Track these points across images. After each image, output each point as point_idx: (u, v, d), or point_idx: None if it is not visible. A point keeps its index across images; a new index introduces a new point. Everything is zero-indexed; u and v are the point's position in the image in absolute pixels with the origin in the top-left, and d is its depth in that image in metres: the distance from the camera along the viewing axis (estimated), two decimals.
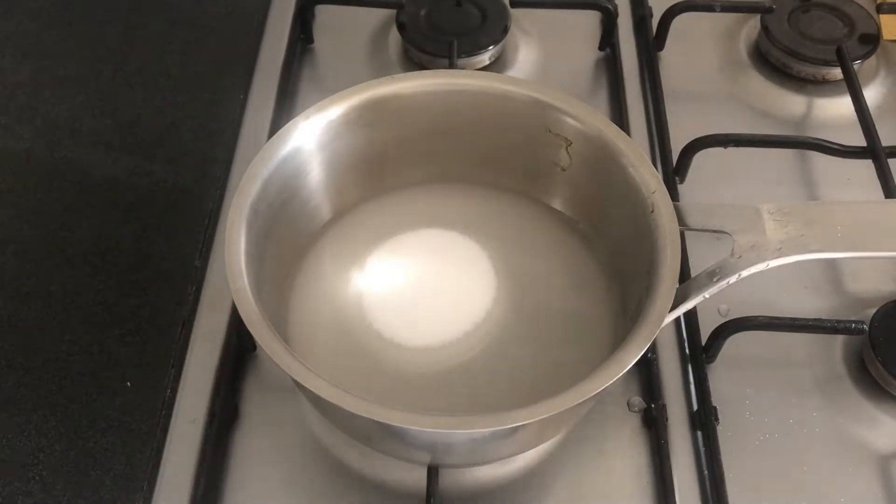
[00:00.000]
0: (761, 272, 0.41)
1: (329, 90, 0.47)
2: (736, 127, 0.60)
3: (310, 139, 0.47)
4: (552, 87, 0.48)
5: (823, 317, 0.52)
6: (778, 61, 0.67)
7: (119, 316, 0.54)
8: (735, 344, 0.50)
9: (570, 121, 0.47)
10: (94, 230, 0.58)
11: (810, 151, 0.61)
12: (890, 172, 0.57)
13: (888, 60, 0.69)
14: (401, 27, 0.66)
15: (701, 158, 0.58)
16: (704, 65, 0.69)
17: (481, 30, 0.66)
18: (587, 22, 0.71)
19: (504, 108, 0.49)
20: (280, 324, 0.47)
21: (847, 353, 0.52)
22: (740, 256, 0.40)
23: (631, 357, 0.38)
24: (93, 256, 0.56)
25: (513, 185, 0.53)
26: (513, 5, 0.68)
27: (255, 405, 0.50)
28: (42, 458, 0.48)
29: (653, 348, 0.51)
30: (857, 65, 0.65)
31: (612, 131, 0.46)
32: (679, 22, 0.67)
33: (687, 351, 0.52)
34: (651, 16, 0.70)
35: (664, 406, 0.49)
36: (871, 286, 0.56)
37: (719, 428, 0.48)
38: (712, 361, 0.51)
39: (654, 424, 0.48)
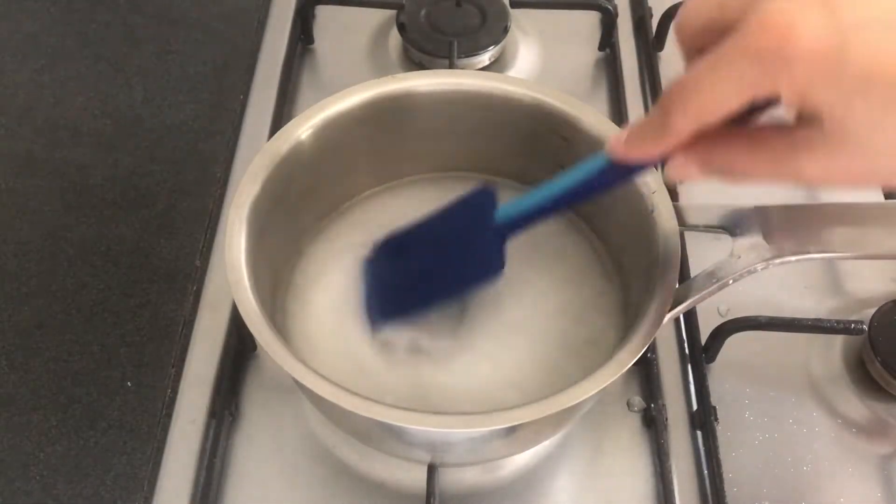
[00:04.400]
0: (761, 272, 0.41)
1: (329, 90, 0.47)
2: None
3: (310, 139, 0.47)
4: (552, 88, 0.48)
5: (823, 317, 0.52)
6: None
7: (119, 316, 0.54)
8: (735, 344, 0.50)
9: (570, 121, 0.47)
10: (94, 230, 0.58)
11: None
12: None
13: None
14: (401, 27, 0.66)
15: None
16: None
17: (481, 30, 0.66)
18: (587, 22, 0.71)
19: (504, 109, 0.49)
20: (280, 324, 0.47)
21: (847, 353, 0.52)
22: (740, 256, 0.40)
23: (631, 357, 0.38)
24: (93, 256, 0.56)
25: (513, 186, 0.53)
26: (513, 5, 0.68)
27: (255, 405, 0.50)
28: (42, 458, 0.48)
29: (653, 348, 0.51)
30: None
31: (612, 132, 0.46)
32: None
33: (687, 351, 0.52)
34: (651, 16, 0.70)
35: (664, 406, 0.49)
36: (870, 286, 0.56)
37: (719, 428, 0.48)
38: (712, 361, 0.51)
39: (653, 424, 0.48)
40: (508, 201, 0.43)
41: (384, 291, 0.46)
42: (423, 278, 0.46)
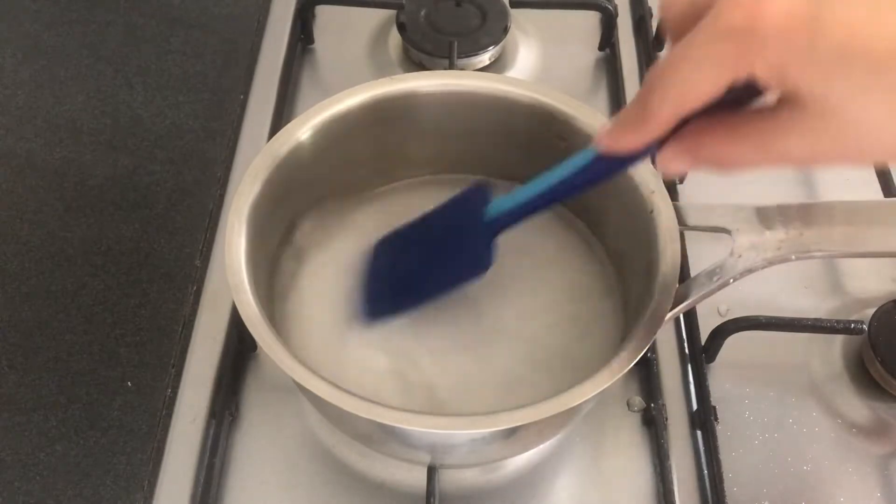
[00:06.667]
0: (761, 272, 0.41)
1: (329, 90, 0.47)
2: None
3: (310, 140, 0.47)
4: (552, 88, 0.48)
5: (823, 317, 0.52)
6: None
7: (119, 316, 0.54)
8: (735, 344, 0.50)
9: (570, 121, 0.47)
10: (94, 230, 0.58)
11: None
12: (890, 172, 0.57)
13: None
14: (401, 27, 0.66)
15: None
16: None
17: (481, 30, 0.66)
18: (587, 22, 0.71)
19: (504, 109, 0.49)
20: (280, 325, 0.47)
21: (847, 353, 0.52)
22: (740, 256, 0.40)
23: (631, 357, 0.38)
24: (93, 256, 0.56)
25: (512, 186, 0.53)
26: (513, 5, 0.68)
27: (255, 405, 0.50)
28: (42, 458, 0.48)
29: (653, 348, 0.51)
30: None
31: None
32: None
33: (687, 351, 0.52)
34: (651, 16, 0.70)
35: (664, 406, 0.49)
36: (870, 286, 0.56)
37: (719, 428, 0.48)
38: (712, 361, 0.51)
39: (653, 424, 0.48)
40: (499, 197, 0.43)
41: (378, 288, 0.47)
42: (414, 275, 0.46)
